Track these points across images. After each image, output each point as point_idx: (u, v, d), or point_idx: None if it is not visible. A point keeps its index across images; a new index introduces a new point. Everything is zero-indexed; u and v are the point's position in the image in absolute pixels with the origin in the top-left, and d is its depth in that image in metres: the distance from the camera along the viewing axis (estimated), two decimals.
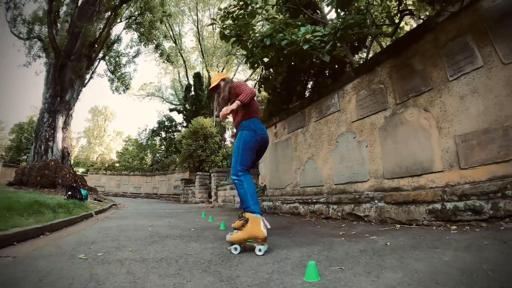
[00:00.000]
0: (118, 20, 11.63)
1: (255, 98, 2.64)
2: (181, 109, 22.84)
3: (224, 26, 4.25)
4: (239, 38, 4.26)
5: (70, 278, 1.38)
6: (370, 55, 7.73)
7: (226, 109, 2.34)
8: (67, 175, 9.70)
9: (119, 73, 13.74)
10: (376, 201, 3.00)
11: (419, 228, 2.46)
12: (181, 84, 26.13)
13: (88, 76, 11.51)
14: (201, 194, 11.85)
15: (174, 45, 23.48)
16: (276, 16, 7.63)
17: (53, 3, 9.31)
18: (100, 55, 12.26)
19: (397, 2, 4.97)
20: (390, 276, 1.30)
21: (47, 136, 10.25)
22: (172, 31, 23.20)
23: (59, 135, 10.38)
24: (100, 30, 10.39)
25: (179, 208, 8.46)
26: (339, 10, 4.13)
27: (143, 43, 12.67)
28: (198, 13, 25.14)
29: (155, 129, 24.00)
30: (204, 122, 12.79)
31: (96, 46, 10.49)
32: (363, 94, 3.88)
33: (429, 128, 2.98)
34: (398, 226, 2.66)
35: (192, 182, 13.14)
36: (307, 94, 8.66)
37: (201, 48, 23.57)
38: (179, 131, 22.59)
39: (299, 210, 4.27)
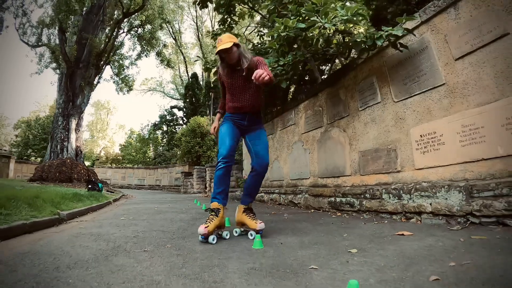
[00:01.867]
0: (121, 31, 13.06)
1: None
2: (182, 106, 24.39)
3: (207, 60, 5.72)
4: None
5: (123, 223, 2.98)
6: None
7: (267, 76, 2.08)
8: (82, 171, 11.32)
9: (123, 75, 15.23)
10: (304, 193, 4.50)
11: (321, 212, 3.91)
12: (181, 79, 27.61)
13: (95, 82, 13.03)
14: (198, 185, 13.46)
15: (174, 42, 24.92)
16: (261, 30, 8.99)
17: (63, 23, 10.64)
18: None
19: (342, 38, 6.32)
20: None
21: (62, 137, 11.83)
22: (172, 28, 24.50)
23: (73, 135, 11.96)
24: (105, 42, 11.84)
25: (178, 197, 10.06)
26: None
27: (144, 53, 14.19)
28: (198, 10, 26.32)
29: (157, 123, 25.57)
30: (201, 121, 14.35)
31: (102, 56, 11.97)
32: (309, 113, 5.31)
33: (345, 144, 4.36)
34: (313, 210, 4.15)
35: (191, 175, 14.74)
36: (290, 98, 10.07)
37: (201, 44, 24.85)
38: (181, 124, 24.16)
39: (264, 198, 5.81)
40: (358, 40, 3.30)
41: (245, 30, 8.62)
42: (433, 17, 3.13)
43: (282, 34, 3.69)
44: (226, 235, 2.34)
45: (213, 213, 2.29)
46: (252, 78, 2.09)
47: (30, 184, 8.80)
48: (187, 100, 21.30)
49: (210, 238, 2.12)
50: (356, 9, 3.30)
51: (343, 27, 3.63)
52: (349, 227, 2.63)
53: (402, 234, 2.12)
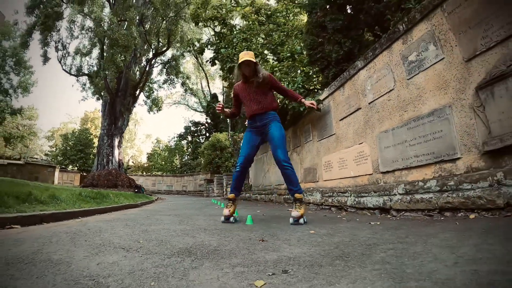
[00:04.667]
0: (152, 67, 16.90)
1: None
2: (204, 122, 28.12)
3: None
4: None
5: (169, 206, 6.16)
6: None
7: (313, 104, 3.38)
8: (124, 179, 15.03)
9: (152, 98, 19.01)
10: (274, 194, 7.53)
11: (280, 204, 6.90)
12: (203, 93, 31.35)
13: (132, 107, 16.86)
14: (218, 190, 16.77)
15: (196, 60, 28.67)
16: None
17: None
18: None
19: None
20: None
21: (108, 153, 15.64)
22: (193, 48, 28.29)
23: (116, 151, 15.75)
24: (140, 76, 15.61)
25: (200, 199, 13.38)
26: None
27: (172, 86, 18.09)
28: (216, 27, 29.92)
29: (182, 133, 29.39)
30: (220, 137, 17.80)
31: (137, 87, 15.76)
32: None
33: (299, 162, 7.30)
34: (277, 203, 7.15)
35: (212, 182, 18.10)
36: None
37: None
38: (204, 135, 27.81)
39: (257, 197, 8.90)
40: (290, 107, 6.27)
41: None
42: (333, 92, 5.90)
43: None
44: (233, 219, 3.28)
45: (230, 202, 3.30)
46: (311, 105, 3.48)
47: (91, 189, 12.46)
48: (209, 115, 24.97)
49: (231, 218, 3.20)
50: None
51: None
52: (273, 207, 5.65)
53: (288, 210, 5.08)
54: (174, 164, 30.10)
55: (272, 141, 3.35)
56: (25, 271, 1.29)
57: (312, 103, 3.51)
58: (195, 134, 28.78)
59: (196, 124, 28.53)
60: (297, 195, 3.19)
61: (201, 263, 1.43)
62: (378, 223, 3.01)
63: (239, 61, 3.26)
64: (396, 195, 3.61)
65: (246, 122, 3.64)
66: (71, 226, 2.74)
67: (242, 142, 3.54)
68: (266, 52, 9.86)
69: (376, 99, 4.49)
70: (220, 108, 3.41)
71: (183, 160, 29.50)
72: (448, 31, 3.20)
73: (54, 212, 3.23)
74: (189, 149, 29.10)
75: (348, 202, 4.42)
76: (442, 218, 2.88)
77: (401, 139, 3.89)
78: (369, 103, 4.69)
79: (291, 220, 3.06)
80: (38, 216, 2.98)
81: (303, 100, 3.61)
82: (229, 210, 3.22)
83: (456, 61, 3.09)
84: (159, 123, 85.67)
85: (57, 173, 21.30)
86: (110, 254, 1.61)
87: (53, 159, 30.42)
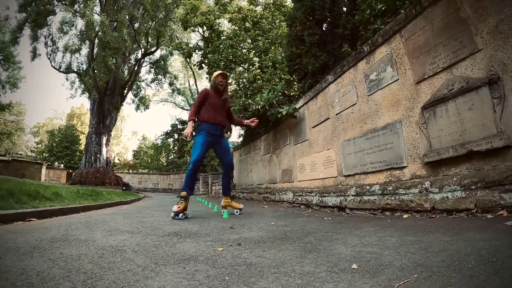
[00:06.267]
0: (141, 67, 17.39)
1: (204, 106, 3.95)
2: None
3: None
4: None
5: (157, 202, 6.82)
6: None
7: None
8: (112, 177, 15.51)
9: (140, 96, 19.48)
10: (255, 192, 8.29)
11: (259, 201, 7.66)
12: (191, 91, 31.84)
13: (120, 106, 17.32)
14: (203, 188, 17.44)
15: (184, 59, 29.17)
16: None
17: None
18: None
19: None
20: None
21: (95, 151, 16.08)
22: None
23: (104, 149, 16.20)
24: (129, 75, 16.09)
25: None
26: None
27: (160, 85, 18.57)
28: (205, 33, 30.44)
29: (168, 131, 29.81)
30: None
31: (126, 87, 16.25)
32: (265, 144, 9.06)
33: (277, 164, 8.08)
34: (257, 201, 7.92)
35: (198, 180, 18.77)
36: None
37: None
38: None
39: (240, 196, 9.65)
40: (269, 113, 7.02)
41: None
42: (308, 102, 6.65)
43: (236, 108, 7.47)
44: (188, 215, 3.93)
45: (182, 199, 3.78)
46: (249, 122, 4.54)
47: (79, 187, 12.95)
48: None
49: (180, 215, 3.67)
50: (269, 98, 7.03)
51: (268, 103, 7.29)
52: (252, 205, 6.40)
53: (264, 207, 5.84)
54: (160, 162, 30.56)
55: (227, 151, 4.28)
56: (65, 245, 1.98)
57: (252, 121, 4.54)
58: (182, 133, 29.20)
59: (183, 122, 29.02)
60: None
61: (184, 240, 2.16)
62: (330, 218, 3.73)
63: (218, 72, 4.03)
64: (349, 196, 4.37)
65: (201, 125, 4.03)
66: (80, 218, 3.42)
67: (196, 142, 3.92)
68: (251, 56, 10.56)
69: (342, 111, 5.17)
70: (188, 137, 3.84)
71: (170, 158, 29.99)
72: (404, 55, 3.59)
73: (61, 208, 3.89)
74: (175, 147, 29.55)
75: (314, 201, 5.19)
76: (383, 216, 3.46)
77: (360, 148, 4.56)
78: (336, 114, 5.38)
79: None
80: (49, 211, 3.63)
81: (245, 122, 4.63)
82: (179, 207, 3.67)
83: (408, 82, 3.50)
84: (146, 121, 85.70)
85: (44, 170, 21.14)
86: (120, 235, 2.32)
87: (38, 155, 30.35)
